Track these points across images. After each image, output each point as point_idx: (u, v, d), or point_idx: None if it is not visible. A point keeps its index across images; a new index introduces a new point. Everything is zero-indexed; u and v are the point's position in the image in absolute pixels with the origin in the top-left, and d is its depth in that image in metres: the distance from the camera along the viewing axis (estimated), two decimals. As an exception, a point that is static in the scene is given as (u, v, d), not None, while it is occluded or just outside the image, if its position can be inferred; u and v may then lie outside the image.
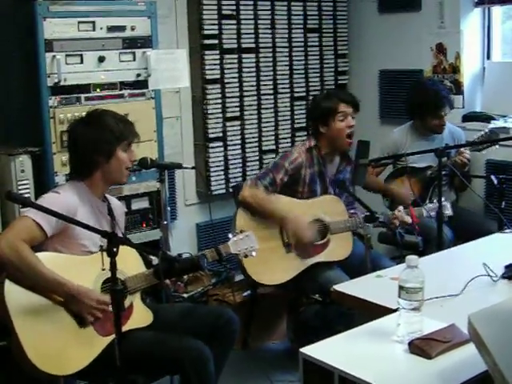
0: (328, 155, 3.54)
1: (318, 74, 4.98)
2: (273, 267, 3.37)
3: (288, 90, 4.82)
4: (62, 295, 2.48)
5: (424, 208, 3.39)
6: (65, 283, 2.47)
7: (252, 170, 4.62)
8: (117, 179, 2.80)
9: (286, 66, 4.78)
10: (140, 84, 3.62)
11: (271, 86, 4.72)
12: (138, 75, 3.61)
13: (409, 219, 3.30)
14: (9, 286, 2.43)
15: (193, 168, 3.50)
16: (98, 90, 3.47)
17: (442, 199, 3.29)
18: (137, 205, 3.66)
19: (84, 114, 2.91)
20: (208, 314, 2.88)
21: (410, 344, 1.93)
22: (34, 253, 2.49)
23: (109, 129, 2.70)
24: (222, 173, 4.57)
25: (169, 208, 3.43)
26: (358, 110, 3.52)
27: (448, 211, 3.36)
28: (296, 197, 3.48)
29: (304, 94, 4.91)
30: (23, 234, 2.48)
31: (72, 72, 3.36)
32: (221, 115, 4.51)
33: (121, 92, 3.55)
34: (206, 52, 4.39)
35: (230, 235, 2.88)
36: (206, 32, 4.36)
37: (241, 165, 4.65)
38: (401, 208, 3.36)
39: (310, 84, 4.93)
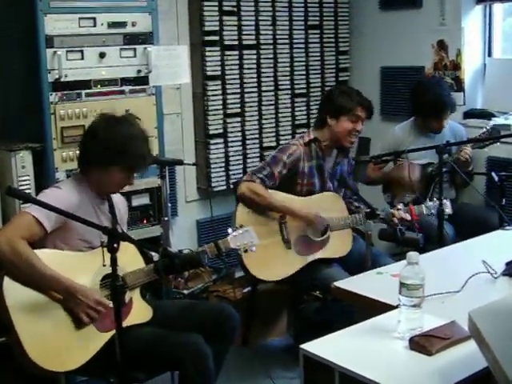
0: (327, 148, 3.54)
1: (319, 71, 4.97)
2: (272, 263, 3.37)
3: (289, 87, 4.81)
4: (60, 292, 2.48)
5: (425, 206, 3.39)
6: (62, 280, 2.47)
7: (253, 167, 4.60)
8: (105, 190, 2.76)
9: (286, 62, 4.77)
10: (141, 80, 3.61)
11: (272, 83, 4.72)
12: (139, 71, 3.60)
13: (408, 216, 3.31)
14: (7, 282, 2.43)
15: (193, 164, 3.50)
16: (98, 86, 3.46)
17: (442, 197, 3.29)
18: (137, 201, 3.66)
19: (119, 114, 2.85)
20: (208, 311, 2.88)
21: (411, 340, 1.93)
22: (33, 250, 2.48)
23: (126, 145, 2.63)
24: (223, 169, 4.57)
25: (169, 204, 3.44)
26: (370, 118, 3.54)
27: (448, 209, 3.35)
28: (295, 190, 3.48)
29: (305, 90, 4.90)
30: (22, 230, 2.48)
31: (73, 68, 3.36)
32: (221, 111, 4.51)
33: (121, 88, 3.55)
34: (207, 48, 4.38)
35: (230, 230, 2.88)
36: (206, 28, 4.36)
37: (241, 161, 4.64)
38: (401, 206, 3.37)
39: (311, 81, 4.93)
